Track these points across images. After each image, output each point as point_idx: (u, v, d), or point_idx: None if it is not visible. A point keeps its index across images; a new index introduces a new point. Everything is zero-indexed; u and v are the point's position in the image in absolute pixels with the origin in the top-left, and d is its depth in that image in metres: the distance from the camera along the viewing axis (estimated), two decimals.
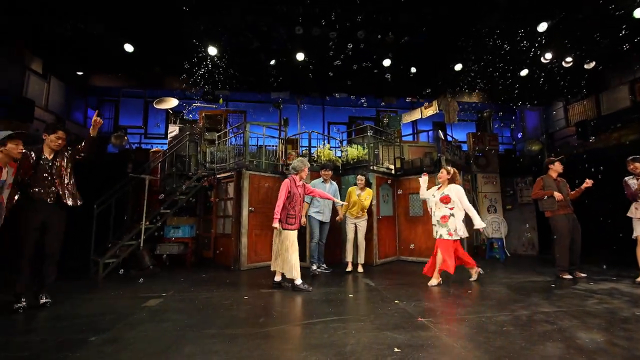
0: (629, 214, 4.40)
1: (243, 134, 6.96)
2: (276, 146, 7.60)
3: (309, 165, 4.43)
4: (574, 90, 9.07)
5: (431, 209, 4.54)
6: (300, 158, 4.39)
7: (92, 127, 3.52)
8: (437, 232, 4.38)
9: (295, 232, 4.03)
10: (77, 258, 5.71)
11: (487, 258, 7.28)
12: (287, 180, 4.11)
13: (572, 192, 4.81)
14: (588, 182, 4.59)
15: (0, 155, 3.00)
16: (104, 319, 2.97)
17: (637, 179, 4.35)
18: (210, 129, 8.39)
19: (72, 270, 5.30)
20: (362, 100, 9.74)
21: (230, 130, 8.01)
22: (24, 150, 3.17)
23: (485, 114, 9.80)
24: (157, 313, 3.16)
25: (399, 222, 6.87)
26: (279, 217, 3.98)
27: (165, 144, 8.79)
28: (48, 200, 3.37)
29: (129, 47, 6.92)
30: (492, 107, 9.92)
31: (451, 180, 4.51)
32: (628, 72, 7.86)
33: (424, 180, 4.67)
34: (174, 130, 7.93)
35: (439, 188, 4.56)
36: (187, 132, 7.41)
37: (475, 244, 7.91)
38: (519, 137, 11.10)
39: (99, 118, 3.52)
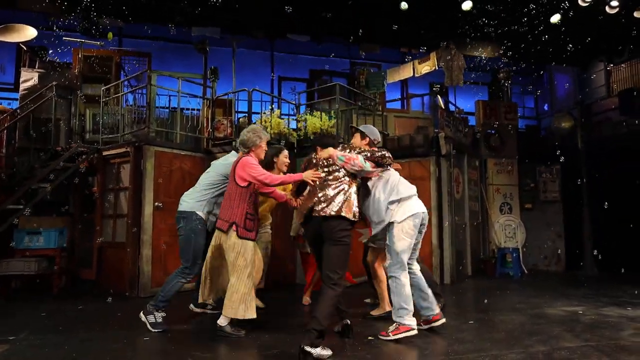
0: None
1: (147, 88, 6.74)
2: (199, 110, 7.42)
3: (268, 136, 4.09)
4: (619, 48, 9.78)
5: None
6: (253, 126, 4.23)
7: None
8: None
9: (254, 245, 3.84)
10: None
11: (497, 275, 7.74)
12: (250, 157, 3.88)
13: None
14: None
15: None
16: None
17: None
18: (92, 79, 8.09)
19: None
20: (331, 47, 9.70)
21: (126, 83, 7.73)
22: None
23: (501, 75, 10.25)
24: None
25: None
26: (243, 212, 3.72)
27: (16, 99, 8.29)
28: None
29: None
30: (512, 65, 10.41)
31: None
32: None
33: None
34: (30, 78, 7.58)
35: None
36: (54, 83, 7.07)
37: (482, 257, 8.37)
38: (546, 109, 11.82)
39: None
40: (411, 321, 3.57)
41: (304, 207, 3.59)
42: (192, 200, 4.13)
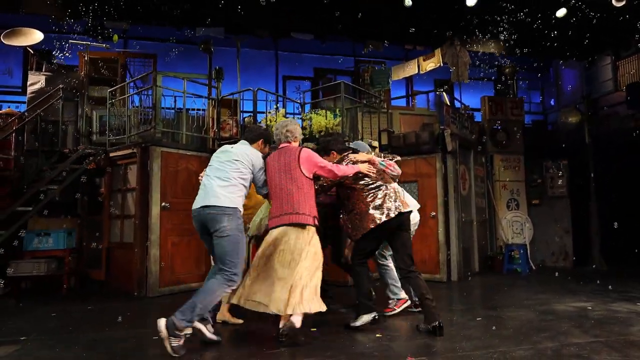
0: None
1: (152, 90, 6.76)
2: (204, 110, 7.44)
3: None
4: (626, 41, 9.68)
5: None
6: (289, 119, 4.63)
7: None
8: None
9: None
10: None
11: (504, 272, 7.72)
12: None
13: None
14: None
15: None
16: None
17: None
18: (98, 81, 8.09)
19: None
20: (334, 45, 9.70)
21: (132, 84, 7.78)
22: None
23: (507, 70, 10.21)
24: None
25: None
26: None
27: (24, 102, 8.38)
28: None
29: None
30: (518, 61, 10.36)
31: None
32: None
33: None
34: (37, 81, 7.65)
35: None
36: (61, 86, 7.13)
37: (490, 253, 8.35)
38: (553, 103, 11.76)
39: None
40: (404, 294, 4.46)
41: (365, 205, 3.85)
42: (233, 195, 3.50)
